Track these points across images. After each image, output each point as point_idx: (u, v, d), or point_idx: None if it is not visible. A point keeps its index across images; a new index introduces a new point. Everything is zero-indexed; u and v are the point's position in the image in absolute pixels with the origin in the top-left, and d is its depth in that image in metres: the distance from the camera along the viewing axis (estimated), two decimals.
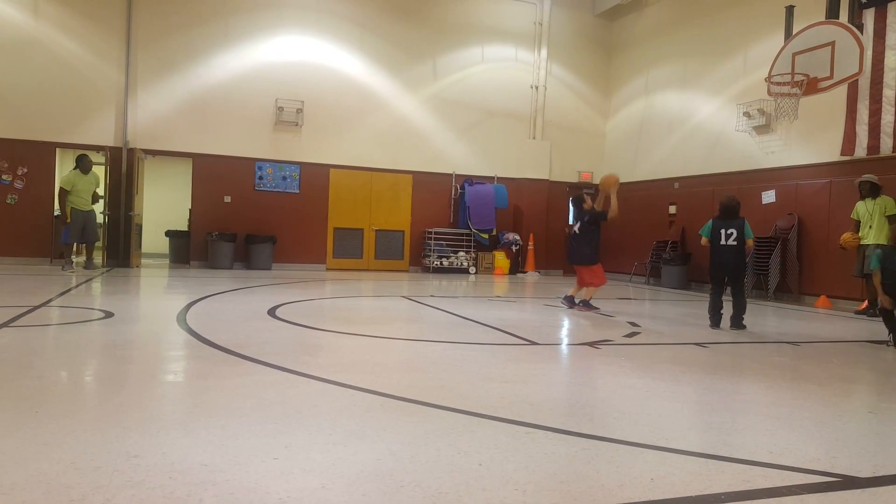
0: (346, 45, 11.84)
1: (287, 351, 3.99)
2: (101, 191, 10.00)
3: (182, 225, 12.53)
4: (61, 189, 9.32)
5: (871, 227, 7.28)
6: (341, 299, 7.51)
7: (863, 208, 7.41)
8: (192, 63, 11.04)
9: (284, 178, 11.61)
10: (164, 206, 13.55)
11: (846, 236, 7.48)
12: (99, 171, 12.25)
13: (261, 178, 11.51)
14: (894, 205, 7.21)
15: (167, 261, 12.06)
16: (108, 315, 5.15)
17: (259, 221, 11.35)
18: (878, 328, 6.39)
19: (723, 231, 5.85)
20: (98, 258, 10.52)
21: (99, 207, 10.06)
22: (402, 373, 3.58)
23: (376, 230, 12.29)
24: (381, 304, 7.25)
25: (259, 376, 3.27)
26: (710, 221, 6.05)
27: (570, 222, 7.19)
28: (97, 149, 10.74)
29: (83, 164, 9.36)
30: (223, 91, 11.17)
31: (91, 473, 1.89)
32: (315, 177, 11.77)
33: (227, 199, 11.33)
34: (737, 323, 5.81)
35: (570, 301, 6.97)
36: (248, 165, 11.39)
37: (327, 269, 11.81)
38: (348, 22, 11.83)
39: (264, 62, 11.36)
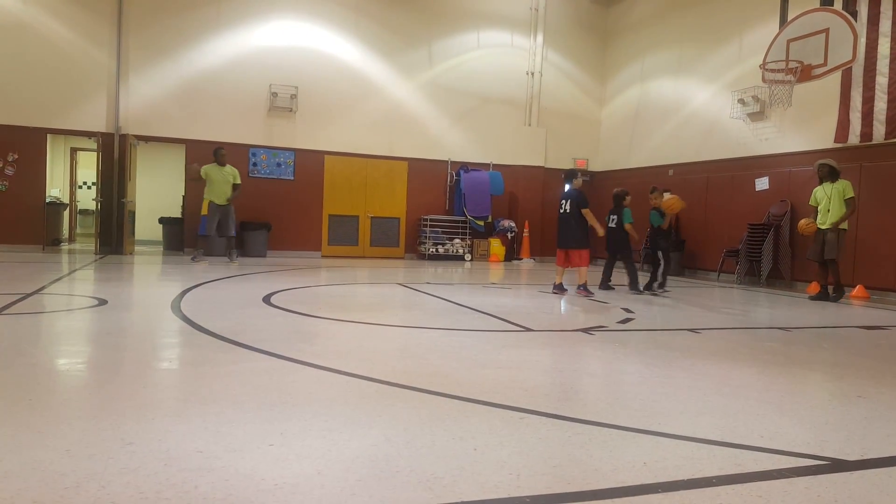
0: (340, 30, 11.69)
1: (282, 338, 4.00)
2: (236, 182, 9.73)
3: (176, 212, 12.44)
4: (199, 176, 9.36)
5: (829, 210, 7.28)
6: (337, 286, 7.51)
7: (821, 193, 7.40)
8: (184, 48, 10.89)
9: (279, 165, 11.53)
10: (158, 192, 13.44)
11: (803, 223, 7.55)
12: (91, 157, 12.13)
13: (255, 164, 11.42)
14: (852, 188, 7.24)
15: (161, 248, 11.99)
16: (102, 302, 5.12)
17: (253, 208, 11.28)
18: (869, 314, 6.46)
19: (610, 216, 7.58)
20: (96, 245, 10.42)
21: (88, 195, 9.95)
22: (398, 359, 3.59)
23: (371, 217, 12.25)
24: (376, 292, 7.25)
25: (254, 363, 3.27)
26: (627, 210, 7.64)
27: (561, 200, 7.18)
28: (89, 135, 10.63)
29: (219, 157, 9.35)
30: (216, 76, 11.03)
31: (86, 461, 1.89)
32: (310, 163, 11.69)
33: None
34: (633, 288, 7.33)
35: (560, 289, 7.04)
36: (241, 152, 11.29)
37: (322, 257, 11.78)
38: (343, 6, 11.67)
39: (258, 47, 11.22)
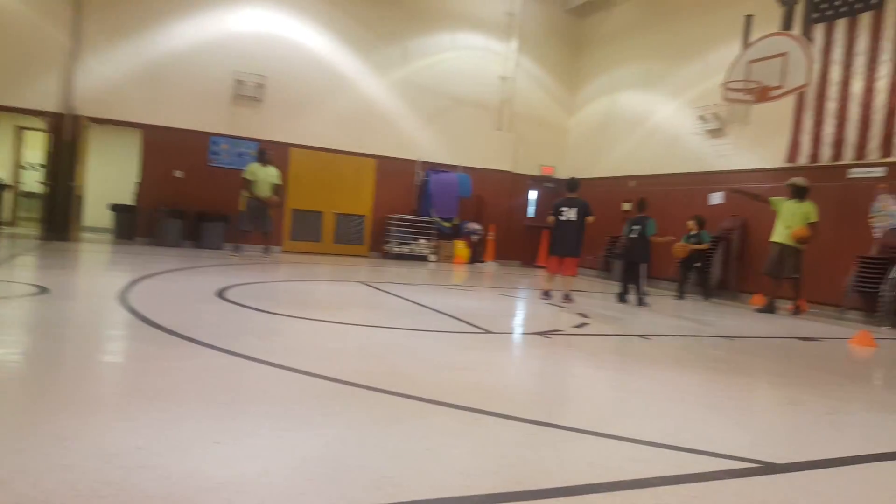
0: (312, 22, 11.50)
1: (236, 334, 3.90)
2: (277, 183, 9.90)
3: (128, 199, 11.96)
4: (244, 179, 9.62)
5: (788, 227, 7.56)
6: (296, 283, 7.38)
7: (786, 206, 7.66)
8: (146, 29, 10.48)
9: (241, 155, 11.23)
10: (110, 178, 12.88)
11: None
12: (38, 137, 11.51)
13: (215, 153, 11.10)
14: (816, 213, 7.54)
15: (110, 236, 11.51)
16: (43, 291, 4.88)
17: (212, 199, 10.95)
18: (807, 326, 6.81)
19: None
20: (38, 232, 9.92)
21: (33, 177, 9.53)
22: (356, 359, 3.56)
23: (336, 214, 12.10)
24: (337, 290, 7.17)
25: (205, 359, 3.18)
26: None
27: (561, 208, 7.05)
28: (38, 114, 10.10)
29: (262, 157, 9.81)
30: (179, 60, 10.66)
31: (14, 455, 1.80)
32: (274, 155, 11.44)
33: (179, 173, 10.88)
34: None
35: (549, 295, 7.08)
36: (202, 139, 10.95)
37: (283, 251, 11.56)
38: None
39: (224, 32, 10.91)
